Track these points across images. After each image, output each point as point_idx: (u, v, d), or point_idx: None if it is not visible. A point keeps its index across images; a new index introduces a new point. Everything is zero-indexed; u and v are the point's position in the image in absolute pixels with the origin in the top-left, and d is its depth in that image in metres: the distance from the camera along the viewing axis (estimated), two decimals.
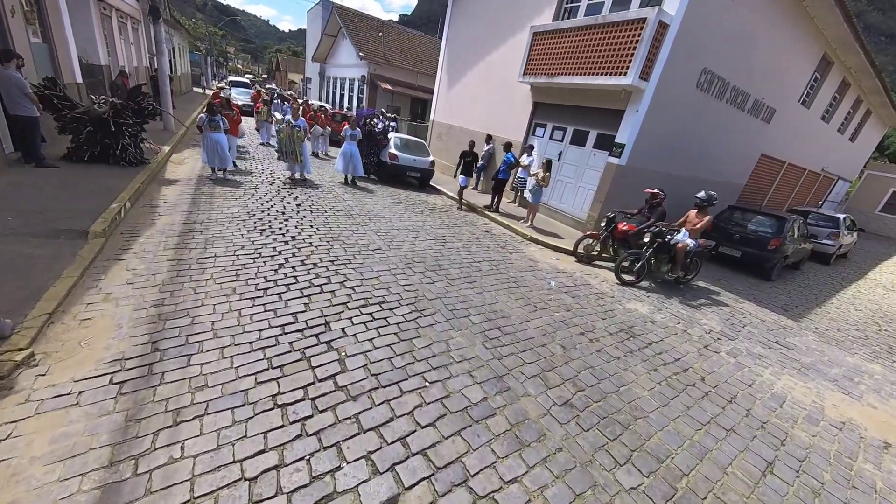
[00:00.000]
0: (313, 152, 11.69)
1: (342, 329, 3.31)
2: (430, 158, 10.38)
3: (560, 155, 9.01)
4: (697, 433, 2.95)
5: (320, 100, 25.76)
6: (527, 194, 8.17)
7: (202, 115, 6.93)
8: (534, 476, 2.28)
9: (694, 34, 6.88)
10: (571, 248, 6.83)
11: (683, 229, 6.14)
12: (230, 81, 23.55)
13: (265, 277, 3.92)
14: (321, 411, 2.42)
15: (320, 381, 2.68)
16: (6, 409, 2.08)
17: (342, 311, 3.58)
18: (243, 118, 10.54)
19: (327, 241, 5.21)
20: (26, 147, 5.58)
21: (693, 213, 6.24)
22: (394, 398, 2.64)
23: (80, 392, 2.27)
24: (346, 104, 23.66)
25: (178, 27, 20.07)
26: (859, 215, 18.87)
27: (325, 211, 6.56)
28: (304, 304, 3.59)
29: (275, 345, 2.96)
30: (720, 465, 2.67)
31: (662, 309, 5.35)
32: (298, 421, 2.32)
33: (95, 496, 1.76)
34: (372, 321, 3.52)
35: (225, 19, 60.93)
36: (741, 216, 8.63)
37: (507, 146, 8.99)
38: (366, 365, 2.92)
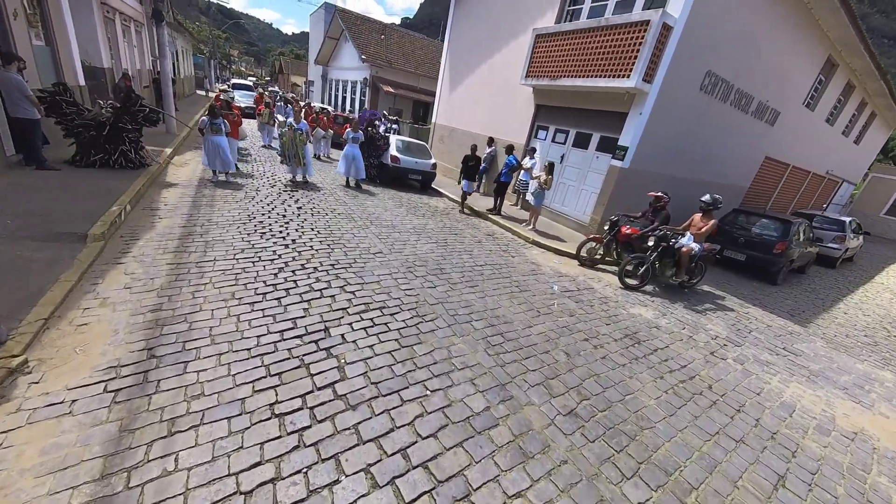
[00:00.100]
0: (315, 154, 11.68)
1: (342, 335, 3.25)
2: (432, 161, 10.34)
3: (562, 158, 8.95)
4: (706, 444, 2.87)
5: (322, 102, 25.84)
6: (529, 197, 8.11)
7: (204, 117, 6.92)
8: (539, 490, 2.21)
9: (698, 36, 6.83)
10: (574, 252, 6.76)
11: (688, 233, 6.06)
12: (233, 84, 23.66)
13: (265, 282, 3.87)
14: (320, 421, 2.36)
15: (319, 389, 2.62)
16: None
17: (342, 317, 3.52)
18: (246, 120, 10.56)
19: (328, 245, 5.16)
20: (27, 149, 5.57)
21: (698, 216, 6.17)
22: (394, 407, 2.58)
23: (74, 401, 2.22)
24: (348, 107, 23.71)
25: (181, 30, 20.19)
26: (864, 218, 18.69)
27: (326, 214, 6.52)
28: (304, 309, 3.54)
29: (273, 351, 2.90)
30: (730, 479, 2.59)
31: (667, 314, 5.27)
32: (296, 431, 2.26)
33: None
34: (372, 327, 3.46)
35: (228, 22, 61.28)
36: (746, 219, 8.54)
37: (509, 149, 8.94)
38: (366, 372, 2.86)
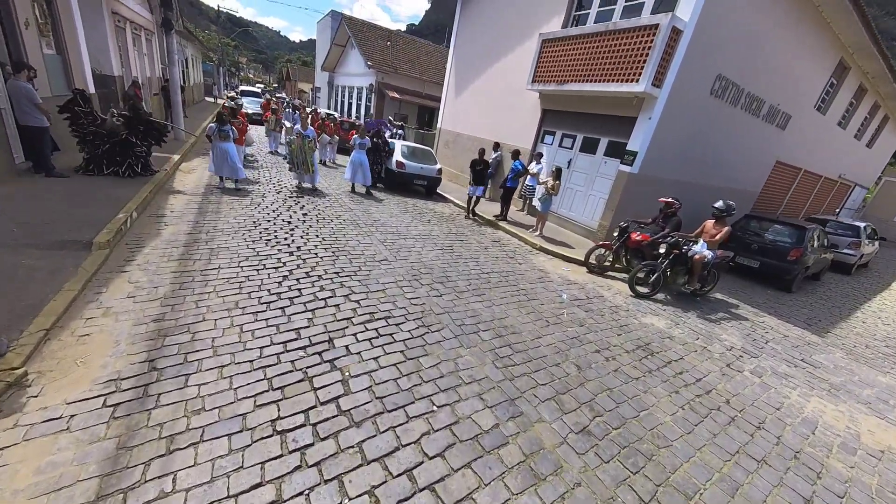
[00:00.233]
0: (321, 160, 11.71)
1: (346, 346, 3.17)
2: (438, 166, 10.30)
3: (570, 163, 8.86)
4: (726, 465, 2.73)
5: (329, 108, 26.04)
6: (536, 203, 8.01)
7: (212, 124, 6.95)
8: None
9: (708, 40, 6.72)
10: (583, 259, 6.64)
11: (701, 240, 5.92)
12: (241, 91, 23.93)
13: (269, 290, 3.82)
14: (322, 439, 2.28)
15: (322, 404, 2.54)
16: None
17: (346, 327, 3.45)
18: (253, 126, 10.59)
19: (333, 252, 5.10)
20: (36, 156, 5.61)
21: (710, 223, 6.03)
22: (400, 424, 2.49)
23: (72, 416, 2.16)
24: (354, 113, 23.86)
25: (191, 38, 20.49)
26: (877, 223, 18.27)
27: (332, 220, 6.48)
28: (308, 318, 3.47)
29: (276, 363, 2.83)
30: (754, 503, 2.45)
31: (680, 323, 5.12)
32: (298, 450, 2.18)
33: None
34: (377, 338, 3.38)
35: (238, 31, 62.36)
36: (759, 225, 8.36)
37: (516, 154, 8.85)
38: (370, 386, 2.77)
